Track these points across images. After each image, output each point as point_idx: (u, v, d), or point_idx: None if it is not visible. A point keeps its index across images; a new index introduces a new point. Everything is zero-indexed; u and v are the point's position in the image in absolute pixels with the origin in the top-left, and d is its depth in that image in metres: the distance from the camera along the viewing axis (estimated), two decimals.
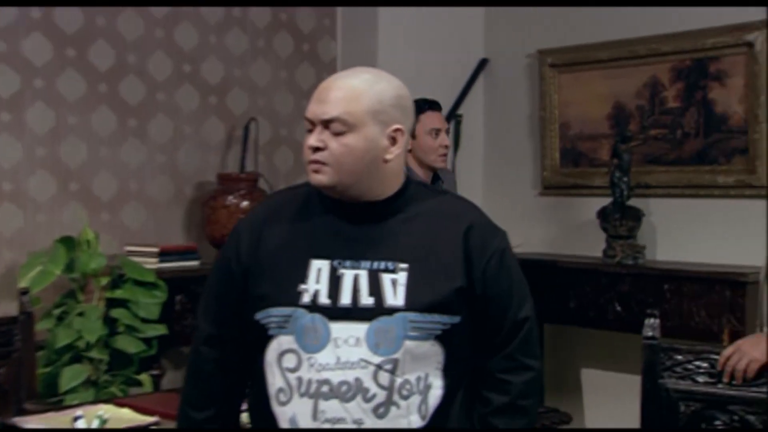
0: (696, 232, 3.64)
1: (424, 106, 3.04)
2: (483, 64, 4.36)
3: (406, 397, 1.59)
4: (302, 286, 1.62)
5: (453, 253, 1.64)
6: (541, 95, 4.14)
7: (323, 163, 1.61)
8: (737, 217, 3.52)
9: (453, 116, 4.28)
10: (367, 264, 1.63)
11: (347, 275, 1.62)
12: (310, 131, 1.63)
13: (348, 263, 1.63)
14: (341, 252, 1.64)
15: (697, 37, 3.58)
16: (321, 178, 1.62)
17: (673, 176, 3.71)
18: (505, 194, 4.37)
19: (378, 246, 1.64)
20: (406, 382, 1.59)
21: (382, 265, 1.62)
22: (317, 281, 1.63)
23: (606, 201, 3.73)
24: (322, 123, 1.61)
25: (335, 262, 1.64)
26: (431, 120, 3.01)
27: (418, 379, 1.60)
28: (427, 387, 1.61)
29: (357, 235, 1.65)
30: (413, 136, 2.99)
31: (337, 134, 1.60)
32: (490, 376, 1.68)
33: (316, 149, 1.61)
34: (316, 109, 1.62)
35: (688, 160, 3.67)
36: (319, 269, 1.63)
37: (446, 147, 3.02)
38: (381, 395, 1.57)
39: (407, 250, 1.64)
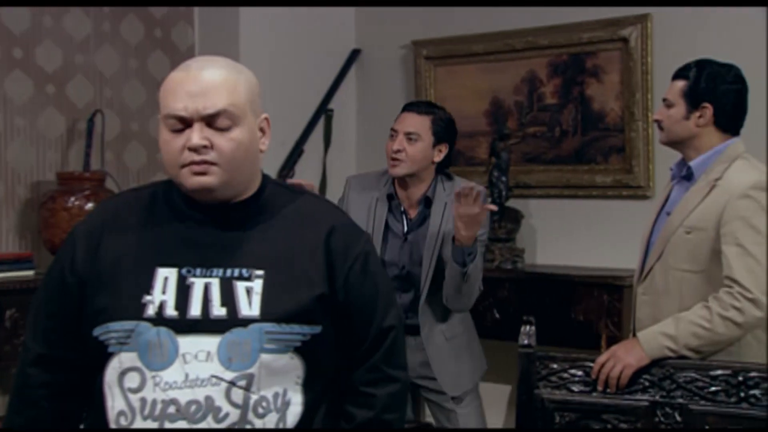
0: (575, 234, 3.80)
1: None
2: (355, 55, 4.40)
3: (262, 416, 1.58)
4: (147, 298, 1.59)
5: (313, 257, 1.65)
6: (416, 89, 4.22)
7: (212, 164, 1.58)
8: (615, 218, 3.70)
9: (323, 111, 4.30)
10: (219, 271, 1.61)
11: (197, 284, 1.61)
12: (179, 131, 1.58)
13: (198, 271, 1.61)
14: (191, 259, 1.62)
15: (573, 31, 3.74)
16: (210, 181, 1.59)
17: (552, 176, 3.86)
18: None
19: (232, 251, 1.63)
20: (263, 399, 1.58)
21: (236, 272, 1.61)
22: (163, 291, 1.60)
23: None
24: (203, 119, 1.58)
25: (184, 270, 1.61)
26: (396, 121, 2.91)
27: (276, 395, 1.60)
28: (286, 404, 1.61)
29: (208, 240, 1.64)
30: None
31: (223, 129, 1.58)
32: (353, 389, 1.70)
33: (195, 148, 1.57)
34: (194, 104, 1.57)
35: (566, 159, 3.84)
36: (165, 278, 1.61)
37: (396, 152, 2.82)
38: (234, 414, 1.56)
39: (264, 256, 1.63)
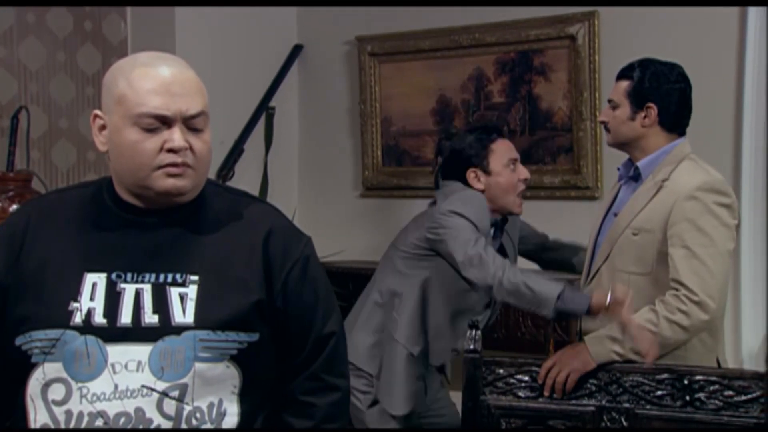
0: None
1: (491, 135, 2.78)
2: (297, 51, 4.39)
3: (196, 428, 1.57)
4: (74, 304, 1.58)
5: (250, 262, 1.65)
6: (361, 87, 4.23)
7: (188, 166, 1.58)
8: (563, 219, 3.75)
9: (263, 109, 4.28)
10: (151, 276, 1.60)
11: (128, 290, 1.59)
12: (152, 131, 1.57)
13: (129, 276, 1.60)
14: (121, 263, 1.61)
15: (520, 28, 3.79)
16: (185, 184, 1.59)
17: None
18: (323, 196, 4.43)
19: (165, 255, 1.62)
20: (197, 409, 1.58)
21: (170, 277, 1.60)
22: (92, 298, 1.58)
23: None
24: (184, 120, 1.57)
25: (113, 276, 1.60)
26: (507, 148, 2.76)
27: (211, 405, 1.59)
28: (221, 414, 1.60)
29: (140, 243, 1.62)
30: (488, 173, 2.73)
31: (198, 131, 1.59)
32: (293, 398, 1.70)
33: (178, 150, 1.56)
34: (177, 104, 1.56)
35: None
36: (94, 284, 1.59)
37: (527, 181, 2.78)
38: (166, 427, 1.55)
39: (199, 260, 1.62)
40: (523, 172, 2.77)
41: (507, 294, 2.48)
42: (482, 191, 2.74)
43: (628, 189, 2.56)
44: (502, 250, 2.81)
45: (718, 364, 2.45)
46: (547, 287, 2.41)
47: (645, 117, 2.48)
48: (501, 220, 2.82)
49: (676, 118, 2.50)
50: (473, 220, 2.63)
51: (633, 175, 2.54)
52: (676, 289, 2.32)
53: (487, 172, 2.75)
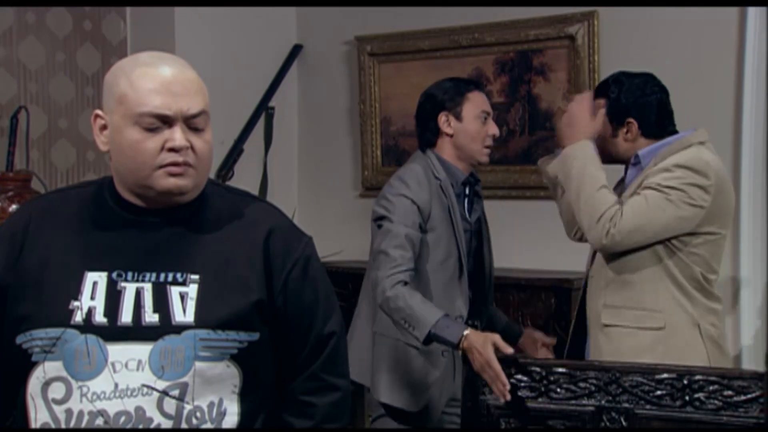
0: (522, 236, 3.85)
1: (468, 85, 2.82)
2: (296, 51, 4.40)
3: (196, 427, 1.58)
4: (74, 303, 1.58)
5: (251, 261, 1.66)
6: (361, 87, 4.23)
7: (189, 165, 1.59)
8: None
9: (263, 109, 4.29)
10: (152, 276, 1.61)
11: (128, 289, 1.60)
12: (153, 130, 1.58)
13: (130, 275, 1.61)
14: (122, 262, 1.61)
15: (519, 28, 3.81)
16: (186, 183, 1.60)
17: (499, 176, 3.91)
18: (322, 196, 4.44)
19: (166, 255, 1.63)
20: (197, 409, 1.58)
21: (170, 276, 1.61)
22: (92, 297, 1.59)
23: None
24: (185, 119, 1.58)
25: (114, 275, 1.61)
26: (482, 101, 2.79)
27: (211, 405, 1.60)
28: (221, 414, 1.61)
29: (141, 243, 1.63)
30: (459, 119, 2.77)
31: (199, 130, 1.60)
32: (292, 398, 1.71)
33: (179, 149, 1.57)
34: (178, 104, 1.58)
35: (513, 160, 3.89)
36: (94, 283, 1.60)
37: (495, 137, 2.81)
38: (166, 426, 1.56)
39: (200, 259, 1.63)
40: (493, 127, 2.80)
41: (388, 299, 2.52)
42: (450, 136, 2.76)
43: (631, 175, 2.58)
44: (477, 221, 2.85)
45: (707, 354, 2.47)
46: (428, 310, 2.48)
47: (627, 132, 2.53)
48: (471, 176, 2.83)
49: (657, 127, 2.53)
50: (410, 196, 2.67)
51: (634, 162, 2.55)
52: (622, 210, 2.38)
53: (458, 118, 2.77)
